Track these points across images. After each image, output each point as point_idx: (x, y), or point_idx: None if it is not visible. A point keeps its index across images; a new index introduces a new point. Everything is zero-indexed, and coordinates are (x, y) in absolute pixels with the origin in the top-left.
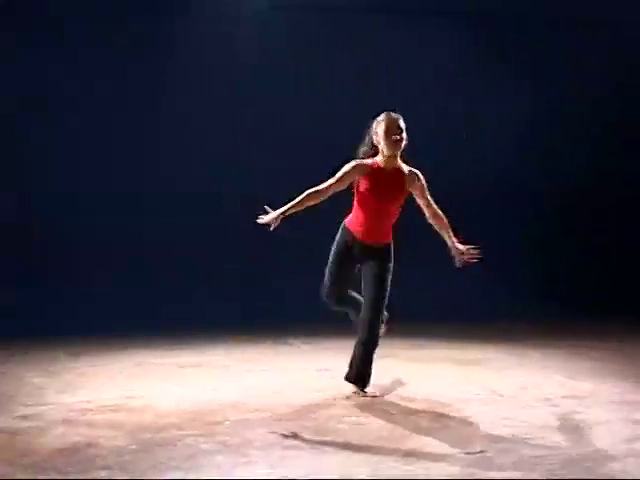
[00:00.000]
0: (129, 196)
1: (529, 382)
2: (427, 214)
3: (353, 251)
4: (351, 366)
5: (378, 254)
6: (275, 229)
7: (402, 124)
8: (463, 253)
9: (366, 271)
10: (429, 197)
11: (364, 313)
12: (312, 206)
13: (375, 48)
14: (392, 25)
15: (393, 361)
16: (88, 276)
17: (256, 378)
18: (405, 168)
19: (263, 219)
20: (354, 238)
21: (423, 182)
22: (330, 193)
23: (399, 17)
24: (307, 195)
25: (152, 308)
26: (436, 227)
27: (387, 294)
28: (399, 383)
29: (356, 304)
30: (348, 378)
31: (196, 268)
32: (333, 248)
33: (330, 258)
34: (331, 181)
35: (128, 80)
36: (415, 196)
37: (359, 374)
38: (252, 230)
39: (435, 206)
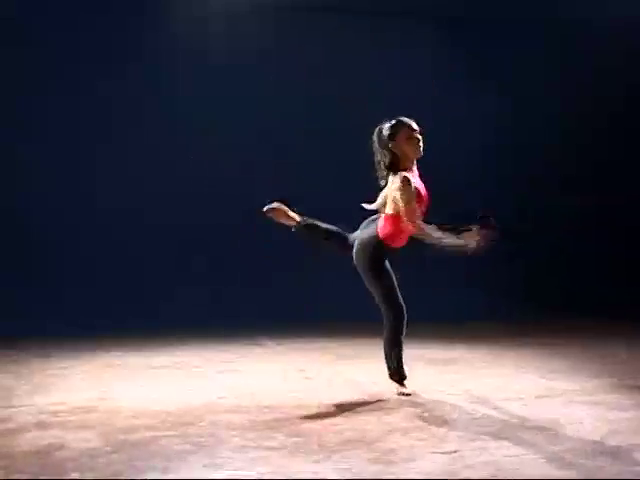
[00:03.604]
0: (128, 196)
1: (504, 381)
2: None
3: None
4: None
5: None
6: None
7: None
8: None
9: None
10: None
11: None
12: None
13: (357, 49)
14: (375, 28)
15: (368, 361)
16: (65, 277)
17: (231, 379)
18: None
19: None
20: (389, 252)
21: None
22: None
23: (381, 19)
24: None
25: (131, 308)
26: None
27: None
28: (373, 383)
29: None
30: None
31: (190, 268)
32: (382, 273)
33: (387, 286)
34: (415, 206)
35: (127, 81)
36: None
37: (389, 370)
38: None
39: None
